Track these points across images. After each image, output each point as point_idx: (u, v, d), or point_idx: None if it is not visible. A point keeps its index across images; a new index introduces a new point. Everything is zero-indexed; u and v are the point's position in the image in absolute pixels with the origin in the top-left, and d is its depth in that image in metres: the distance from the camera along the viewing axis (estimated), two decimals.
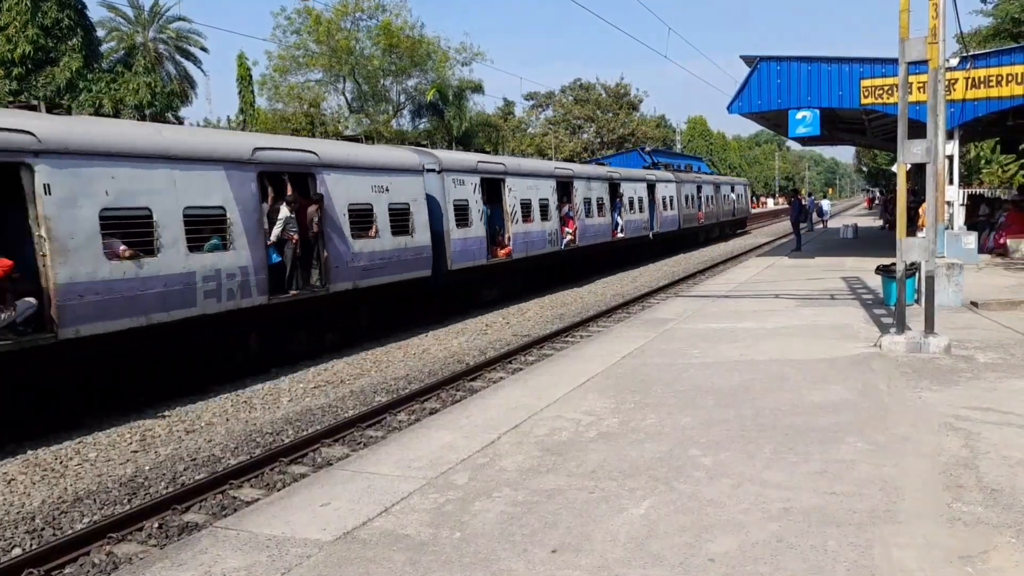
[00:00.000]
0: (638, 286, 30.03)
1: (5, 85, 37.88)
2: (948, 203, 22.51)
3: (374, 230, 19.22)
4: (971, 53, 24.52)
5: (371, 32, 56.66)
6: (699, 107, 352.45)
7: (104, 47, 49.08)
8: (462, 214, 23.24)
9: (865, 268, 22.26)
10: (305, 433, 12.33)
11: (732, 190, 61.44)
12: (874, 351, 12.45)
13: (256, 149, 16.19)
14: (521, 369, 15.31)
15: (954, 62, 22.74)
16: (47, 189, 12.26)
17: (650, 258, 40.57)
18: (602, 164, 38.51)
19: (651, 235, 39.90)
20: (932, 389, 10.08)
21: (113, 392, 13.97)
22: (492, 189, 25.39)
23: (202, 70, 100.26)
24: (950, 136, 22.24)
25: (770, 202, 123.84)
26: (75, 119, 14.56)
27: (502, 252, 25.53)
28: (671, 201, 43.41)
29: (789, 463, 7.53)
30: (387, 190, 19.87)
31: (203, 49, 58.25)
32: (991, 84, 22.57)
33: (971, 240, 22.57)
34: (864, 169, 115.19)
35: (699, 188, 49.96)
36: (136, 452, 11.82)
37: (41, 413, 12.82)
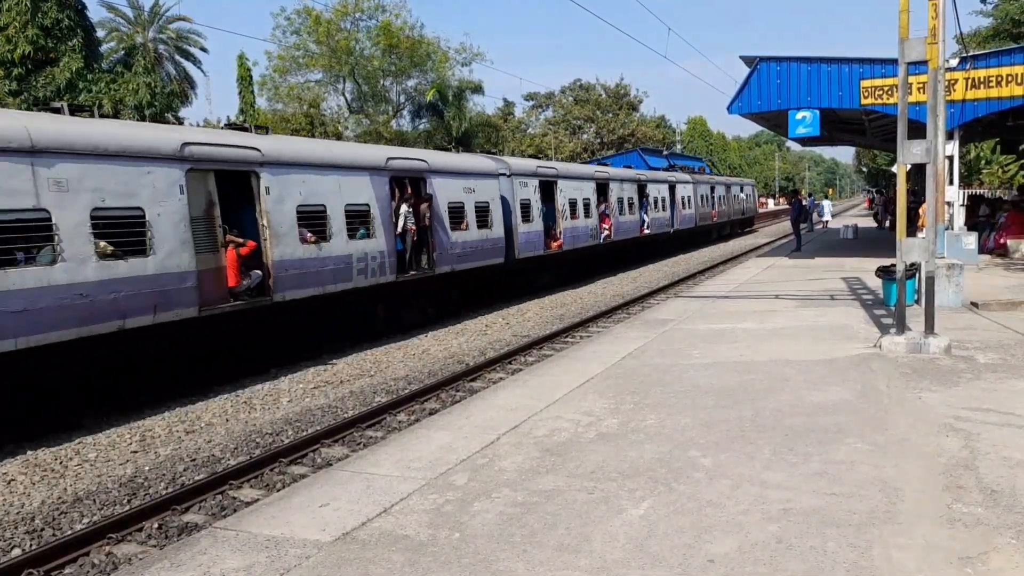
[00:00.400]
0: (638, 286, 30.06)
1: (5, 85, 37.85)
2: (948, 203, 22.48)
3: (465, 224, 23.20)
4: (971, 53, 24.50)
5: (371, 33, 56.60)
6: (699, 107, 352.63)
7: (104, 47, 48.99)
8: (526, 211, 27.23)
9: (865, 268, 22.26)
10: (305, 433, 12.33)
11: (741, 190, 65.59)
12: (874, 352, 12.44)
13: (389, 159, 20.48)
14: (521, 370, 15.31)
15: (954, 62, 22.73)
16: (267, 191, 16.28)
17: (671, 252, 44.49)
18: (604, 164, 40.44)
19: (672, 231, 43.82)
20: (932, 390, 10.07)
21: (303, 341, 18.26)
22: (546, 190, 29.15)
23: (202, 70, 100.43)
24: (950, 136, 22.22)
25: (770, 202, 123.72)
26: (280, 138, 19.23)
27: (555, 244, 29.42)
28: (689, 200, 47.22)
29: (789, 464, 7.52)
30: (473, 191, 23.85)
31: (203, 49, 58.34)
32: (991, 84, 22.55)
33: (971, 241, 22.55)
34: (864, 169, 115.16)
35: (712, 189, 54.03)
36: (136, 452, 11.83)
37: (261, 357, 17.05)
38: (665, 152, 61.33)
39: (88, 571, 8.30)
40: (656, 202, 41.01)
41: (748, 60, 25.56)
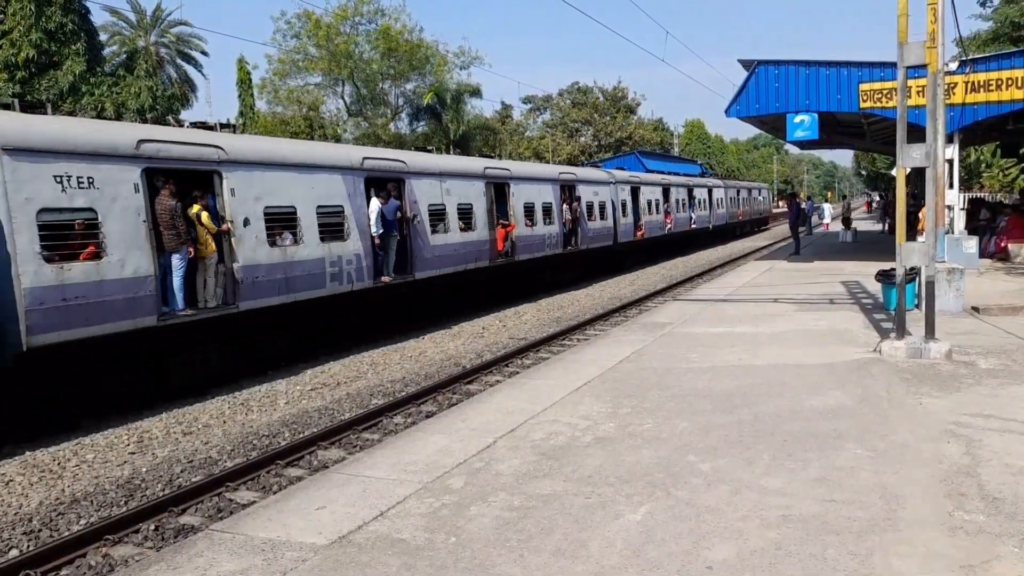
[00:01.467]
0: (635, 289, 30.05)
1: (8, 88, 37.90)
2: (948, 207, 22.44)
3: (596, 217, 33.76)
4: (971, 57, 24.49)
5: (370, 36, 56.64)
6: (697, 110, 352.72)
7: (106, 51, 49.16)
8: (624, 209, 37.23)
9: (864, 272, 22.24)
10: (302, 436, 12.31)
11: (760, 193, 77.66)
12: (874, 356, 12.41)
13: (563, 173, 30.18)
14: (518, 373, 15.26)
15: (953, 66, 22.70)
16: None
17: (709, 244, 54.65)
18: (597, 166, 43.68)
19: (711, 227, 54.51)
20: (933, 395, 10.03)
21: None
22: (633, 193, 39.18)
23: (202, 73, 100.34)
24: (950, 140, 22.18)
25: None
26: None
27: (639, 234, 39.29)
28: (722, 202, 57.96)
29: (788, 470, 7.49)
30: (597, 195, 34.42)
31: (203, 53, 58.29)
32: (991, 88, 22.53)
33: (972, 245, 22.52)
34: (863, 173, 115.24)
35: (738, 192, 65.56)
36: (133, 454, 11.81)
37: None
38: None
39: (85, 572, 8.30)
40: (699, 203, 51.45)
41: (746, 63, 25.55)
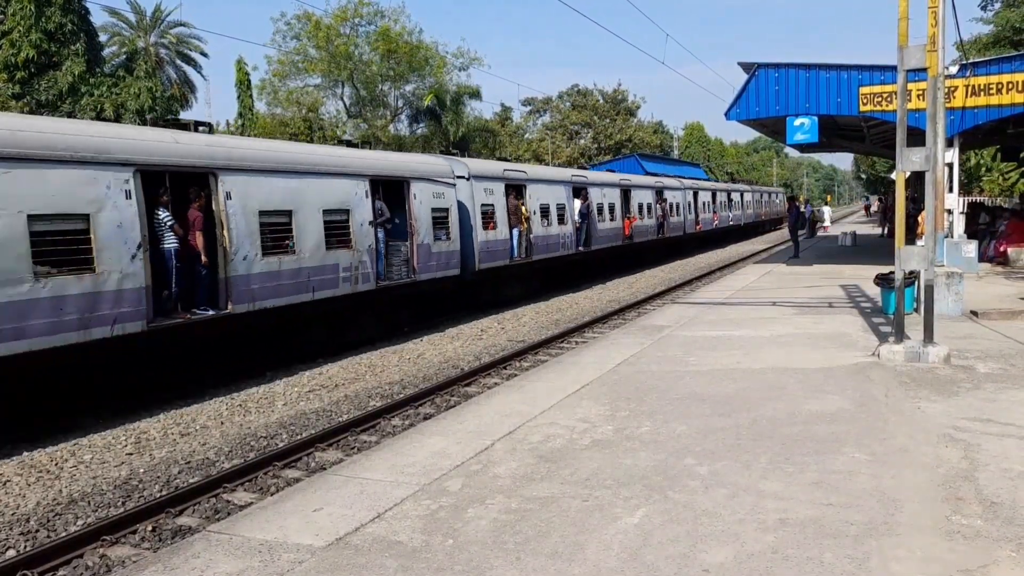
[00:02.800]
0: (635, 291, 30.04)
1: (8, 89, 37.92)
2: (948, 211, 22.46)
3: (648, 216, 40.97)
4: (971, 60, 24.50)
5: (370, 38, 56.64)
6: (697, 113, 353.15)
7: (106, 51, 49.18)
8: (692, 207, 49.61)
9: (863, 276, 22.23)
10: (299, 437, 12.30)
11: (776, 196, 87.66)
12: (872, 360, 12.40)
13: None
14: (516, 375, 15.25)
15: (954, 69, 22.72)
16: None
17: (738, 238, 64.15)
18: (612, 171, 45.72)
19: (741, 224, 65.47)
20: (931, 399, 10.03)
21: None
22: (695, 196, 51.10)
23: (202, 74, 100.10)
24: (950, 144, 22.18)
25: None
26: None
27: (698, 227, 51.34)
28: (747, 203, 68.18)
29: (785, 473, 7.48)
30: (675, 197, 45.24)
31: (203, 54, 58.44)
32: (991, 92, 22.54)
33: (971, 249, 22.52)
34: (863, 176, 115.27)
35: (759, 195, 76.16)
36: (131, 454, 11.79)
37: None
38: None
39: (82, 573, 8.29)
40: (732, 204, 62.18)
41: (746, 66, 25.55)
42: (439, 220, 22.17)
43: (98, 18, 50.69)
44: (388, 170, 20.70)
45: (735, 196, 63.22)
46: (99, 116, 37.88)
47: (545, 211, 29.32)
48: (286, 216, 16.85)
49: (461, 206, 23.56)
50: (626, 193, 38.09)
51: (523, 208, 27.43)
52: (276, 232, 16.61)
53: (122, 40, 53.62)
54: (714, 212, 55.56)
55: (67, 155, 12.66)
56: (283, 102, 56.47)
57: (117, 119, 37.03)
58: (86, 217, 12.77)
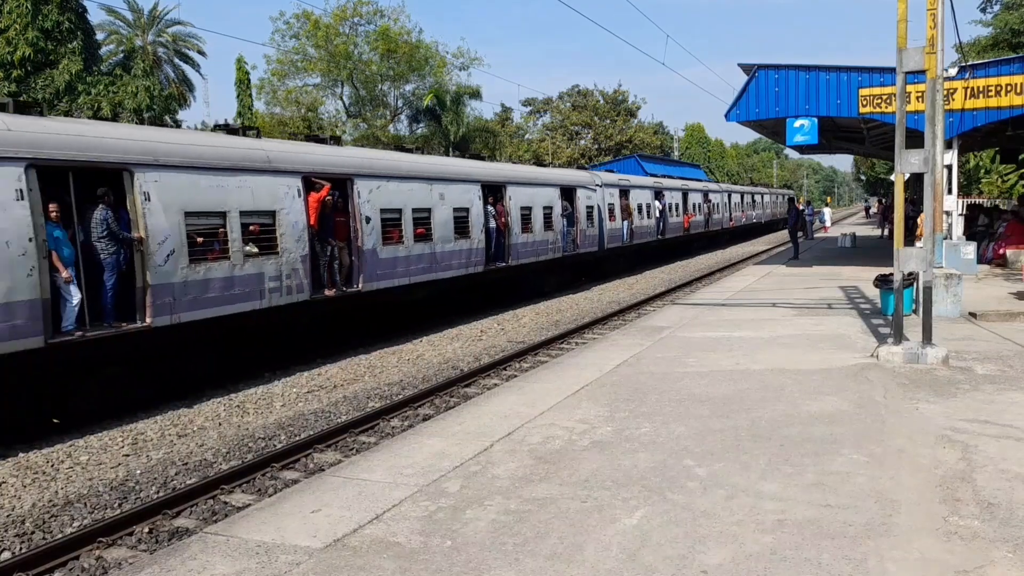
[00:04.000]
0: (634, 293, 30.04)
1: (4, 87, 37.76)
2: (947, 213, 22.44)
3: (698, 213, 50.48)
4: (970, 63, 24.50)
5: (369, 37, 56.59)
6: (697, 114, 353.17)
7: (103, 50, 48.99)
8: (727, 207, 59.73)
9: (863, 277, 22.25)
10: (298, 438, 12.29)
11: (787, 198, 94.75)
12: (871, 361, 12.40)
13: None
14: (515, 376, 15.25)
15: (953, 72, 22.71)
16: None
17: (760, 233, 72.92)
18: (611, 171, 45.54)
19: (763, 222, 74.86)
20: (929, 401, 10.02)
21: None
22: (729, 196, 61.34)
23: (200, 74, 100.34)
24: (949, 146, 22.17)
25: None
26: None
27: (731, 224, 60.83)
28: (767, 204, 78.04)
29: (784, 474, 7.47)
30: (709, 198, 54.48)
31: (201, 53, 58.06)
32: (990, 94, 22.53)
33: (970, 250, 22.49)
34: (863, 178, 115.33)
35: (775, 196, 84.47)
36: (128, 456, 11.78)
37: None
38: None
39: (78, 575, 8.27)
40: (754, 204, 71.13)
41: (746, 68, 25.56)
42: (588, 214, 33.22)
43: (95, 16, 50.55)
44: (569, 181, 32.18)
45: (757, 198, 74.31)
46: (96, 115, 37.76)
47: (640, 209, 39.97)
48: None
49: (599, 205, 34.44)
50: (685, 195, 49.41)
51: (629, 207, 38.08)
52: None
53: (119, 39, 53.45)
54: (742, 211, 66.19)
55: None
56: (282, 102, 56.46)
57: (114, 118, 36.89)
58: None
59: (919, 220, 23.87)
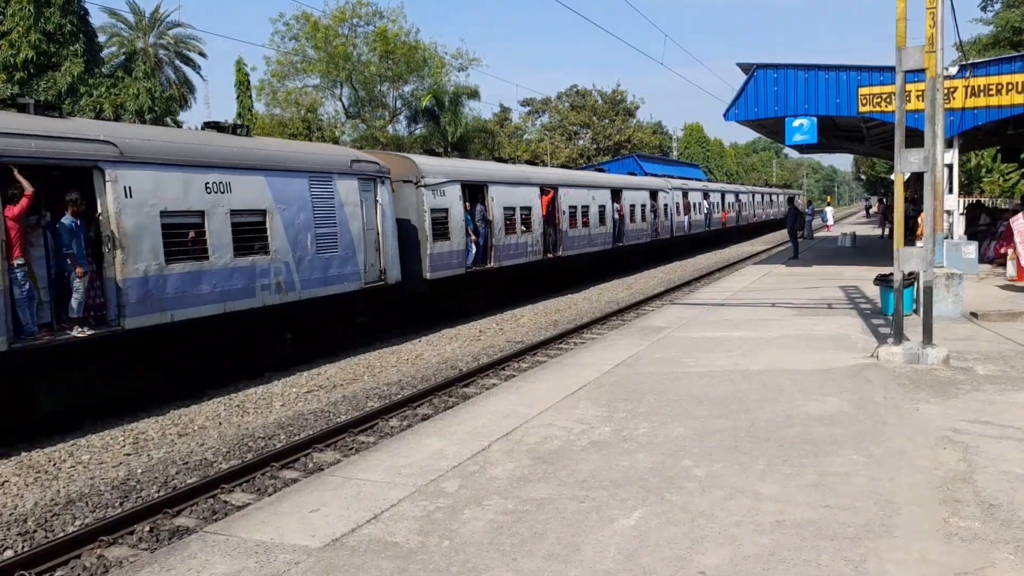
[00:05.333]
0: (633, 293, 30.04)
1: (7, 89, 37.81)
2: (947, 212, 22.41)
3: (731, 211, 60.53)
4: (970, 61, 24.47)
5: (368, 38, 56.56)
6: (696, 114, 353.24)
7: (105, 52, 49.13)
8: (751, 206, 68.61)
9: (863, 277, 22.24)
10: (297, 438, 12.29)
11: (798, 198, 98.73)
12: (871, 362, 12.39)
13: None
14: (514, 376, 15.24)
15: (953, 70, 22.69)
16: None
17: (776, 228, 75.01)
18: (602, 170, 47.67)
19: (778, 218, 76.66)
20: (930, 401, 10.01)
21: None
22: (754, 196, 71.57)
23: (201, 75, 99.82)
24: (949, 145, 22.13)
25: None
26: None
27: (754, 219, 69.79)
28: (779, 203, 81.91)
29: (783, 475, 7.46)
30: (739, 198, 65.22)
31: (202, 54, 58.36)
32: (991, 92, 22.50)
33: (971, 250, 22.47)
34: (862, 177, 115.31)
35: (787, 197, 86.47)
36: (129, 455, 11.79)
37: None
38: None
39: (79, 573, 8.30)
40: (768, 203, 78.72)
41: (745, 67, 25.53)
42: (665, 210, 43.61)
43: (97, 19, 50.82)
44: (654, 186, 42.91)
45: (774, 197, 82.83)
46: (98, 117, 37.80)
47: (694, 206, 49.90)
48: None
49: (668, 203, 44.31)
50: (723, 196, 59.34)
51: (689, 204, 48.24)
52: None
53: (121, 41, 53.65)
54: (763, 208, 75.79)
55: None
56: (282, 103, 56.39)
57: (116, 119, 36.91)
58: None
59: (920, 220, 23.83)
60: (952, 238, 22.47)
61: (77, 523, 9.42)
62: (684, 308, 20.14)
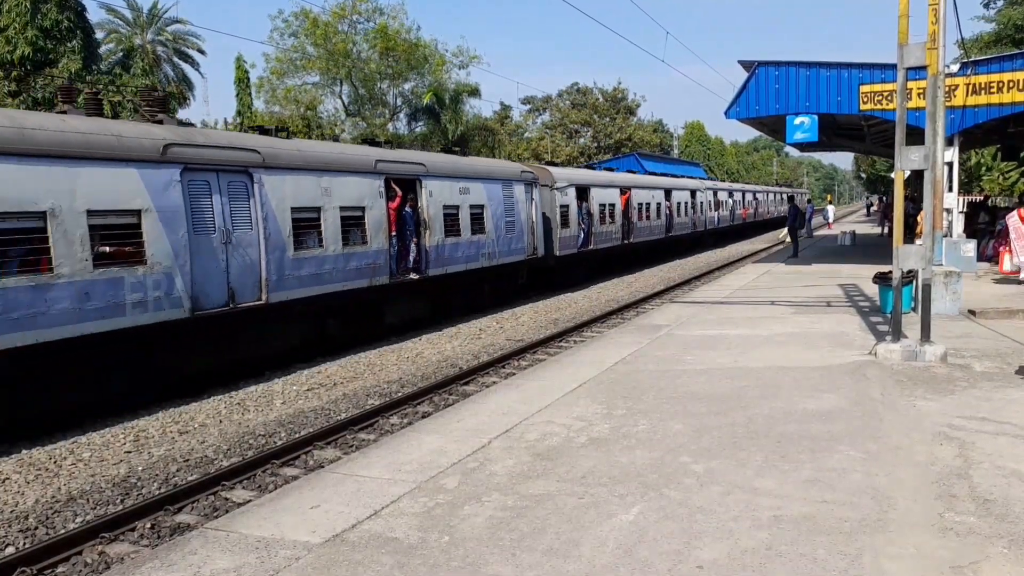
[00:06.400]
0: (633, 291, 30.08)
1: (4, 86, 37.69)
2: (947, 210, 22.42)
3: (749, 208, 70.07)
4: (972, 59, 24.48)
5: (368, 35, 56.44)
6: (697, 112, 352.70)
7: (103, 49, 48.89)
8: (766, 204, 78.18)
9: (862, 275, 22.27)
10: (297, 435, 12.34)
11: (804, 196, 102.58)
12: (869, 359, 12.43)
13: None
14: (514, 374, 15.27)
15: (954, 68, 22.68)
16: None
17: (782, 224, 72.25)
18: (612, 169, 48.62)
19: (784, 215, 74.14)
20: (927, 398, 10.05)
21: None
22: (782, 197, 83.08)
23: (200, 72, 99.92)
24: (950, 143, 22.12)
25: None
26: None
27: (767, 215, 77.22)
28: (786, 200, 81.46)
29: (780, 471, 7.51)
30: (757, 197, 75.86)
31: (200, 51, 58.05)
32: (992, 90, 22.50)
33: (970, 248, 22.49)
34: (863, 176, 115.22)
35: (796, 195, 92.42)
36: (130, 452, 11.83)
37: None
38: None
39: (81, 570, 8.33)
40: (780, 200, 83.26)
41: (746, 65, 25.53)
42: (701, 206, 51.50)
43: (95, 15, 50.66)
44: (692, 187, 49.96)
45: (781, 196, 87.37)
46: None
47: (722, 204, 58.46)
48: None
49: (704, 201, 52.30)
50: (743, 195, 68.00)
51: (719, 202, 56.29)
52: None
53: (119, 37, 53.38)
54: (775, 206, 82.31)
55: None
56: (281, 100, 56.23)
57: (115, 117, 36.88)
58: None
59: (919, 218, 23.85)
60: (951, 236, 22.49)
61: (78, 520, 9.46)
62: (684, 306, 20.18)
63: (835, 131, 33.04)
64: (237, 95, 53.91)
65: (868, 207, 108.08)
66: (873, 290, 17.85)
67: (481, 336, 20.80)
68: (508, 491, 7.25)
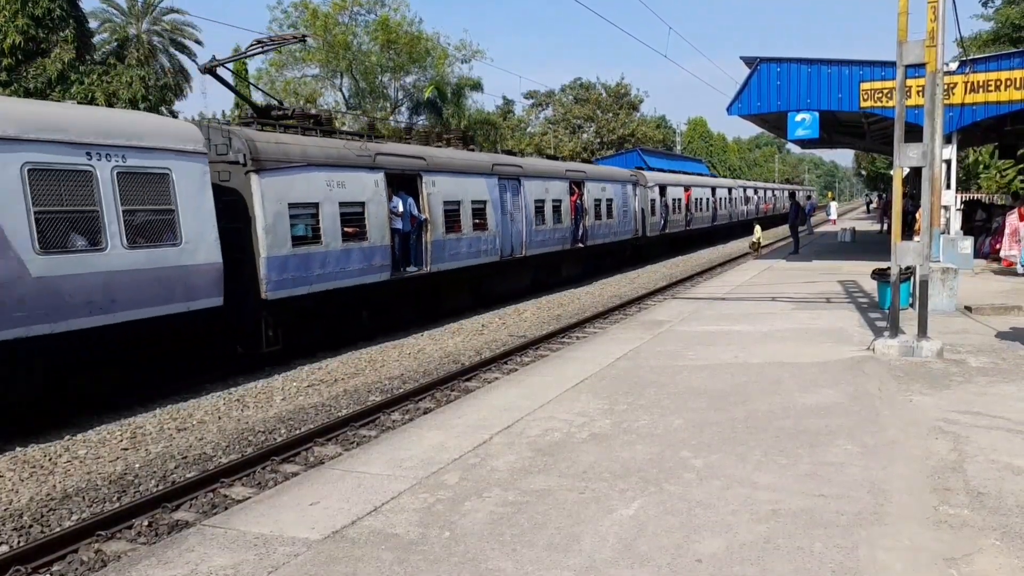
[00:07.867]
0: (635, 287, 30.11)
1: None
2: (945, 208, 22.44)
3: (769, 203, 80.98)
4: (970, 57, 24.50)
5: (369, 27, 56.24)
6: (699, 108, 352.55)
7: (97, 39, 47.85)
8: (737, 202, 66.52)
9: (861, 272, 22.28)
10: (298, 432, 12.34)
11: (813, 194, 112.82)
12: (867, 355, 12.46)
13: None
14: (516, 370, 15.30)
15: (953, 66, 22.71)
16: None
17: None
18: (613, 166, 48.67)
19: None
20: (923, 393, 10.08)
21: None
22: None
23: (196, 63, 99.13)
24: (948, 140, 22.18)
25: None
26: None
27: (782, 209, 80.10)
28: (800, 198, 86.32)
29: (779, 465, 7.54)
30: (774, 195, 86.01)
31: (198, 42, 57.16)
32: (990, 89, 22.54)
33: (967, 245, 22.54)
34: (863, 173, 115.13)
35: (807, 193, 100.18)
36: (126, 450, 11.82)
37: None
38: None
39: (77, 568, 8.29)
40: (793, 196, 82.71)
41: (748, 61, 25.54)
42: (736, 201, 61.66)
43: (88, 3, 50.08)
44: (729, 185, 61.65)
45: (792, 193, 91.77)
46: (90, 104, 37.22)
47: (749, 200, 67.59)
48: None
49: (738, 196, 61.14)
50: (764, 192, 76.92)
51: (748, 198, 65.11)
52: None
53: (113, 27, 52.25)
54: (785, 202, 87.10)
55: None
56: (280, 93, 56.19)
57: (109, 108, 36.51)
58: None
59: (918, 215, 23.86)
60: (949, 233, 22.52)
61: (74, 518, 9.43)
62: (685, 303, 20.19)
63: (836, 128, 33.09)
64: (235, 86, 53.53)
65: (868, 204, 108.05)
66: (872, 286, 17.87)
67: (483, 332, 20.83)
68: (509, 486, 7.27)
